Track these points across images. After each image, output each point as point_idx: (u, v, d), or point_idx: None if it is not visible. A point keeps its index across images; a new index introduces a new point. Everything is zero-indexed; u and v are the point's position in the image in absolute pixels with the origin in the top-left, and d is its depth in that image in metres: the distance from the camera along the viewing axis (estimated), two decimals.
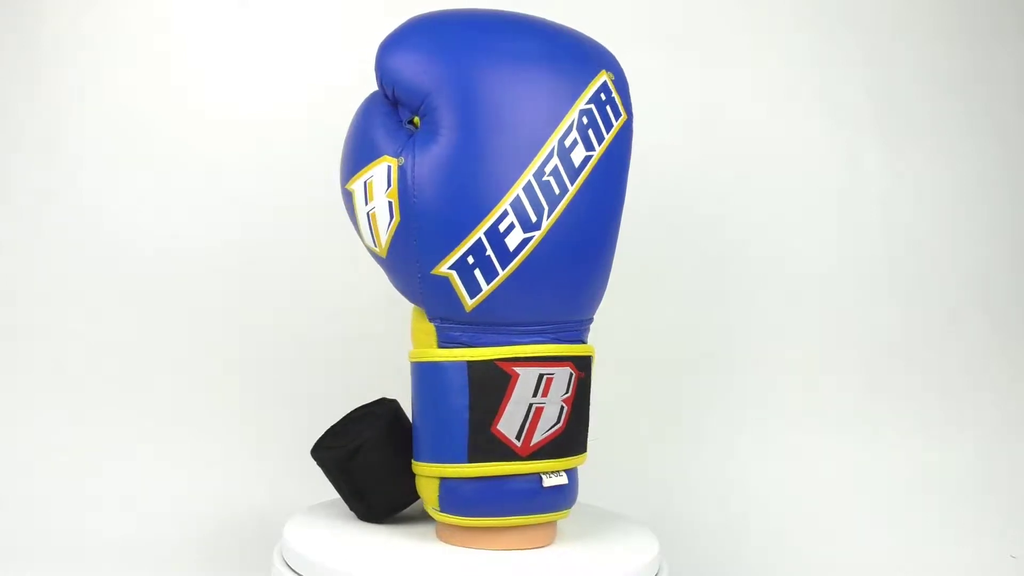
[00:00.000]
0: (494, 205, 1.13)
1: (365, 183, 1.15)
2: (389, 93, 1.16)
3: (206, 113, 1.67)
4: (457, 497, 1.16)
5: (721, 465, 1.72)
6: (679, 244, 1.75)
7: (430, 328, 1.17)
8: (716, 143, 1.76)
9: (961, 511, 1.69)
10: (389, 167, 1.13)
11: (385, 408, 1.26)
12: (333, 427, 1.27)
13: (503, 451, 1.15)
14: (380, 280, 1.65)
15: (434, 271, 1.14)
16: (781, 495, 1.68)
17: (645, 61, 1.70)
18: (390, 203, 1.13)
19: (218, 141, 1.67)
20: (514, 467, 1.15)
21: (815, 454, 1.74)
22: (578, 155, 1.16)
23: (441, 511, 1.17)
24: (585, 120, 1.17)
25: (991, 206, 1.89)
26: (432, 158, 1.12)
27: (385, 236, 1.15)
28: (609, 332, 1.68)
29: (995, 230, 1.89)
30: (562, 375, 1.18)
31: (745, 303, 1.78)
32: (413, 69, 1.14)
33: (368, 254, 1.22)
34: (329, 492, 1.40)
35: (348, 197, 1.18)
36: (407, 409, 1.24)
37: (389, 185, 1.13)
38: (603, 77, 1.20)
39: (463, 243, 1.13)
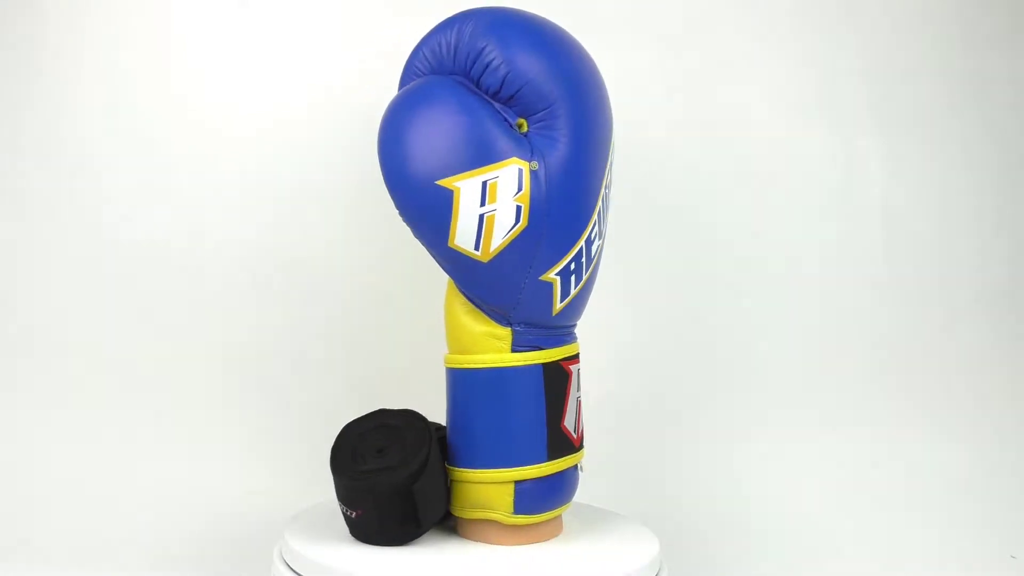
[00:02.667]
0: (592, 214, 1.18)
1: (484, 183, 1.11)
2: (511, 91, 1.14)
3: (206, 113, 1.67)
4: (534, 496, 1.18)
5: (721, 465, 1.72)
6: (679, 243, 1.75)
7: (503, 333, 1.17)
8: (715, 143, 1.76)
9: (961, 511, 1.69)
10: (521, 170, 1.12)
11: (412, 419, 1.20)
12: (346, 447, 1.18)
13: (567, 445, 1.20)
14: (382, 281, 1.66)
15: (543, 277, 1.15)
16: (781, 495, 1.68)
17: (645, 61, 1.70)
18: (519, 207, 1.12)
19: (220, 141, 1.66)
20: (573, 459, 1.21)
21: (815, 454, 1.74)
22: (609, 170, 1.23)
23: (515, 513, 1.17)
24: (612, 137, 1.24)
25: (991, 206, 1.89)
26: (559, 165, 1.14)
27: (500, 240, 1.12)
28: (610, 332, 1.68)
29: (995, 230, 1.89)
30: (579, 369, 1.23)
31: (744, 302, 1.78)
32: (543, 73, 1.14)
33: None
34: (329, 493, 1.40)
35: (440, 195, 1.11)
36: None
37: (520, 189, 1.12)
38: None
39: (572, 250, 1.16)
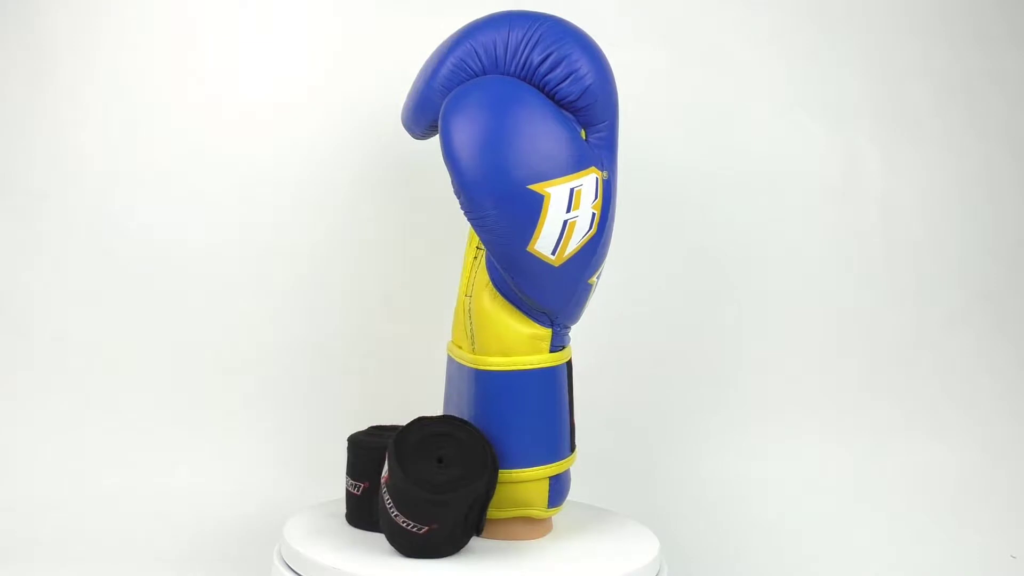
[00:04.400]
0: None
1: (572, 190, 1.13)
2: (587, 102, 1.17)
3: (208, 113, 1.66)
4: (560, 489, 1.22)
5: (722, 465, 1.72)
6: (680, 244, 1.75)
7: (545, 334, 1.19)
8: (716, 143, 1.75)
9: (961, 511, 1.69)
10: (597, 179, 1.16)
11: (459, 424, 1.17)
12: (410, 461, 1.11)
13: (574, 437, 1.25)
14: (383, 280, 1.66)
15: (590, 280, 1.20)
16: (781, 495, 1.68)
17: (645, 60, 1.70)
18: (593, 215, 1.15)
19: (221, 141, 1.65)
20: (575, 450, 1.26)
21: (815, 454, 1.74)
22: None
23: (550, 507, 1.21)
24: None
25: (991, 205, 1.89)
26: (614, 176, 1.20)
27: (574, 246, 1.15)
28: (611, 333, 1.68)
29: (995, 229, 1.89)
30: None
31: (745, 303, 1.77)
32: (609, 89, 1.19)
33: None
34: (328, 493, 1.40)
35: (531, 200, 1.11)
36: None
37: (596, 197, 1.15)
38: None
39: (607, 254, 1.21)
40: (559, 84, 1.15)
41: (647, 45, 1.68)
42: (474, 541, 1.18)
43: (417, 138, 1.27)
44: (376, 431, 1.28)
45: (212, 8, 1.66)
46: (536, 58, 1.16)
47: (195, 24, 1.66)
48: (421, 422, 1.16)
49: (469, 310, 1.20)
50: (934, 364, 1.85)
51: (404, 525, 1.11)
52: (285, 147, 1.66)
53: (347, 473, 1.25)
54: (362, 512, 1.22)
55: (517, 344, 1.18)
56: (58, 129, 1.64)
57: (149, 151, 1.65)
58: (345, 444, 1.27)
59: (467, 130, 1.12)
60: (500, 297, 1.18)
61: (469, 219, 1.13)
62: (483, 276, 1.19)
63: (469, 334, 1.20)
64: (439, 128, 1.13)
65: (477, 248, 1.21)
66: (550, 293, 1.17)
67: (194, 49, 1.66)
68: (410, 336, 1.62)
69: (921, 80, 1.84)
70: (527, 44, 1.16)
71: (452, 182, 1.12)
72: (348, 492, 1.25)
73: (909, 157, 1.84)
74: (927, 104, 1.85)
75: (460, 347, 1.23)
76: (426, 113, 1.20)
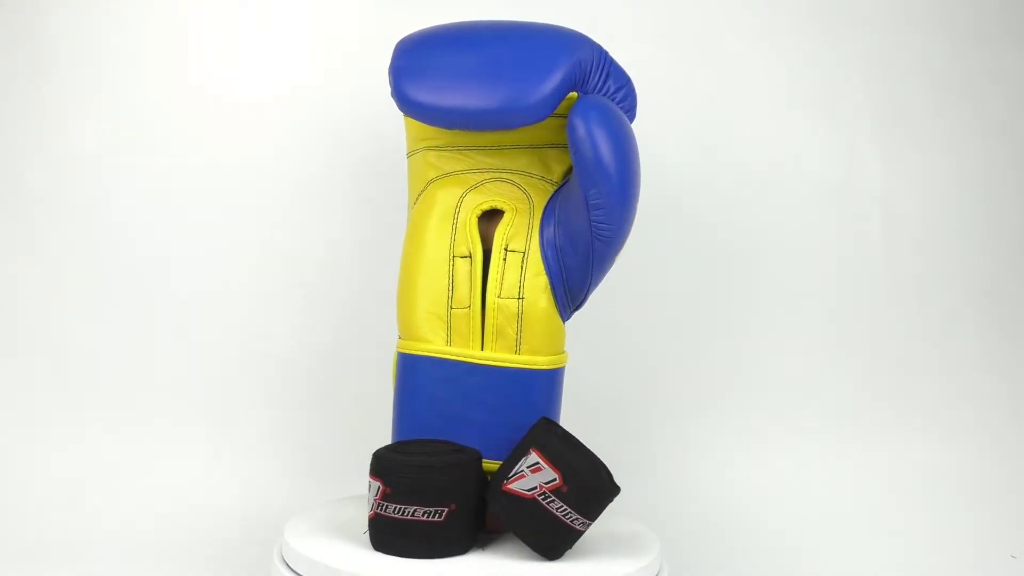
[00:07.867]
0: None
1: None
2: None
3: (207, 112, 1.66)
4: None
5: (721, 465, 1.72)
6: (680, 244, 1.75)
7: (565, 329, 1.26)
8: (716, 143, 1.76)
9: (961, 511, 1.69)
10: None
11: (559, 427, 1.19)
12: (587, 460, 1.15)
13: None
14: (384, 282, 1.66)
15: None
16: (781, 495, 1.68)
17: (646, 60, 1.70)
18: None
19: (222, 142, 1.66)
20: None
21: (815, 454, 1.75)
22: None
23: None
24: None
25: (991, 206, 1.89)
26: None
27: None
28: (611, 333, 1.68)
29: (995, 230, 1.89)
30: None
31: (745, 303, 1.78)
32: None
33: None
34: (329, 493, 1.40)
35: (635, 215, 1.22)
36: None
37: None
38: None
39: None
40: (626, 113, 1.25)
41: (647, 45, 1.69)
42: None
43: (458, 129, 1.28)
44: (401, 447, 1.17)
45: (212, 8, 1.66)
46: (613, 85, 1.24)
47: (195, 25, 1.66)
48: (545, 427, 1.16)
49: (519, 312, 1.22)
50: (934, 364, 1.85)
51: (581, 528, 1.14)
52: (285, 147, 1.66)
53: (403, 500, 1.12)
54: (450, 538, 1.13)
55: (561, 342, 1.24)
56: (58, 129, 1.64)
57: (149, 152, 1.65)
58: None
59: (628, 150, 1.20)
60: (552, 297, 1.23)
61: (603, 229, 1.19)
62: (541, 279, 1.22)
63: (514, 335, 1.22)
64: (600, 146, 1.17)
65: (505, 250, 1.23)
66: (591, 288, 1.25)
67: (194, 50, 1.66)
68: None
69: (921, 80, 1.84)
70: (603, 70, 1.24)
71: (597, 195, 1.17)
72: (416, 522, 1.11)
73: (909, 157, 1.84)
74: (927, 104, 1.85)
75: (464, 348, 1.23)
76: (533, 115, 1.22)
